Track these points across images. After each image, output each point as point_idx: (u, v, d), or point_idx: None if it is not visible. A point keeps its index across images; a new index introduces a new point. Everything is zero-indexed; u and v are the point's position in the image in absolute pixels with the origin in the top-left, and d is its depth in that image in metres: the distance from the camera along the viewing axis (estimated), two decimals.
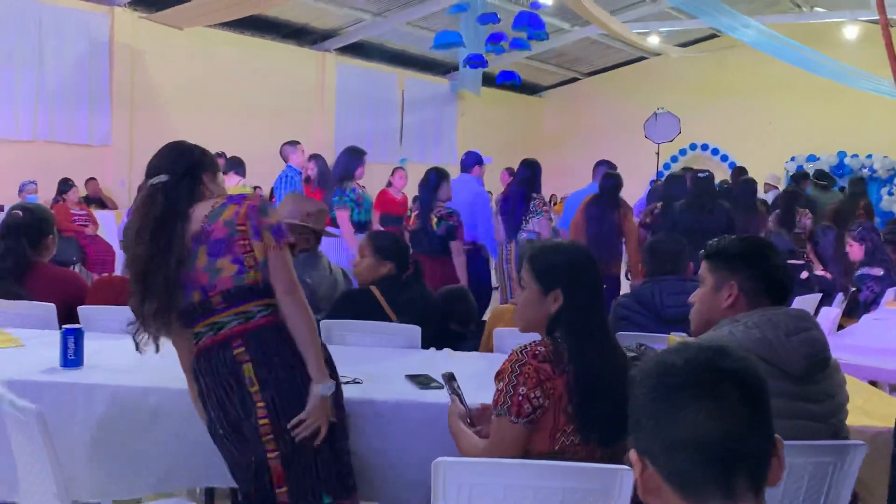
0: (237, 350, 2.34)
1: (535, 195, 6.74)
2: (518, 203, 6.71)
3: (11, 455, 2.30)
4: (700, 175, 6.86)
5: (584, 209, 6.92)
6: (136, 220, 2.41)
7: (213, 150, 9.48)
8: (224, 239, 2.36)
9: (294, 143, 7.71)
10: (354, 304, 3.64)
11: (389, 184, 8.42)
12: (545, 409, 2.09)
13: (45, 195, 10.07)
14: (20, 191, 9.49)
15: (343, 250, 6.12)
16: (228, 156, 9.55)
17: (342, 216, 6.23)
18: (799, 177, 9.23)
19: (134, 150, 12.08)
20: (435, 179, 6.05)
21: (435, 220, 5.92)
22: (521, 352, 2.14)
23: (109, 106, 11.87)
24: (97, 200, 11.00)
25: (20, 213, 3.67)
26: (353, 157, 6.44)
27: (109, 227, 10.15)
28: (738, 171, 8.95)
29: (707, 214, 6.24)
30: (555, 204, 14.34)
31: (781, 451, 1.18)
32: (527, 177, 6.77)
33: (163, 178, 2.42)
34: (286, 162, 7.62)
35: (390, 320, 3.57)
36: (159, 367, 2.64)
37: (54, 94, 11.21)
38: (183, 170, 2.46)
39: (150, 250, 2.35)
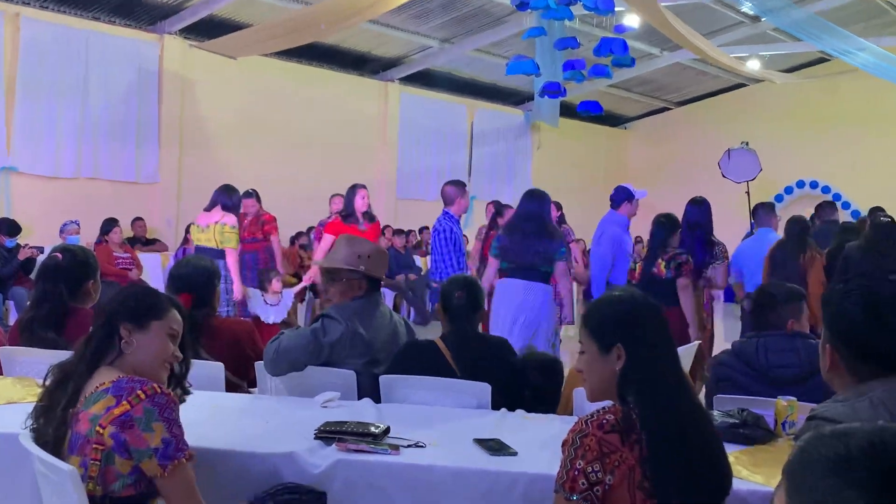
0: None
1: (716, 239, 6.68)
2: (696, 248, 6.54)
3: None
4: (883, 219, 7.14)
5: (770, 254, 7.17)
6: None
7: (265, 187, 9.58)
8: (83, 435, 2.25)
9: (461, 185, 7.08)
10: (417, 357, 3.64)
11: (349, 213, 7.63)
12: (610, 485, 2.04)
13: (87, 236, 10.30)
14: (61, 231, 9.73)
15: None
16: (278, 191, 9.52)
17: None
18: None
19: (182, 188, 12.29)
20: (670, 225, 6.29)
21: (662, 264, 6.08)
22: (586, 421, 2.11)
23: (157, 140, 12.09)
24: (146, 241, 11.20)
25: (59, 255, 3.75)
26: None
27: (154, 270, 10.34)
28: (875, 211, 8.88)
29: (885, 260, 6.21)
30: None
31: None
32: (700, 220, 6.66)
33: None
34: (447, 206, 6.92)
35: (455, 376, 3.55)
36: (197, 422, 2.68)
37: (99, 128, 11.42)
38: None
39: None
